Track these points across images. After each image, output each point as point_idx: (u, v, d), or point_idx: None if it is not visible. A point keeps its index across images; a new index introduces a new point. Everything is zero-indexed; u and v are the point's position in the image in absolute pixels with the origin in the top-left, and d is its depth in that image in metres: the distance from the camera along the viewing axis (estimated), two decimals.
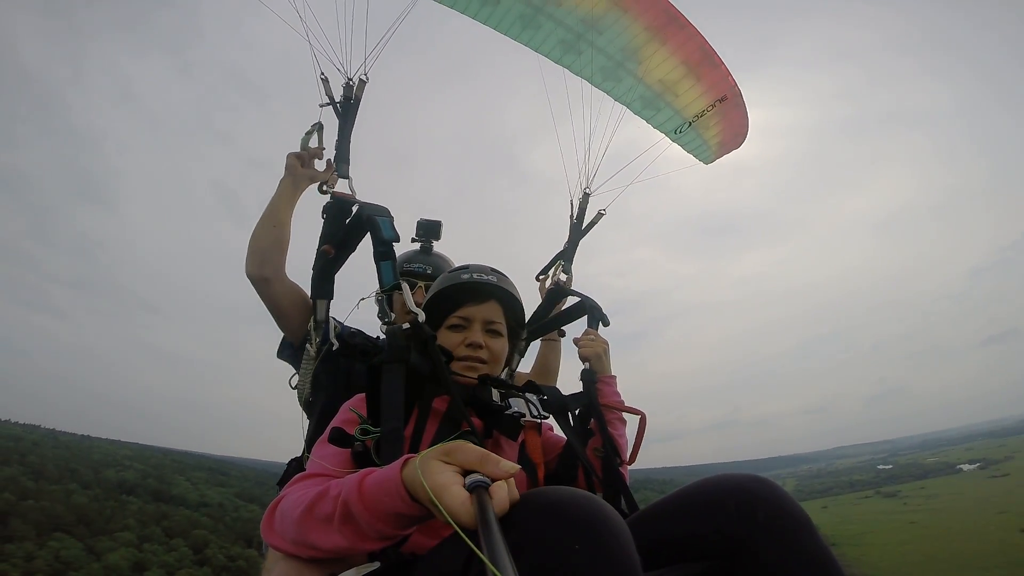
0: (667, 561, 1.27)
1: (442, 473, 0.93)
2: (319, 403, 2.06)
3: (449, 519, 0.86)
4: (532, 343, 2.63)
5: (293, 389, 2.16)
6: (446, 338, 1.78)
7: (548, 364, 2.71)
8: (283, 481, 1.98)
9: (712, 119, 3.21)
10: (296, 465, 2.02)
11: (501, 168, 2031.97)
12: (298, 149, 2.40)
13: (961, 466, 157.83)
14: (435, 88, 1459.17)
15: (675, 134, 3.28)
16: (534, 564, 0.82)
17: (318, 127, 2.45)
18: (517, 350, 2.21)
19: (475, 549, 0.75)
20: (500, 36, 3.06)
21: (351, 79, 2.38)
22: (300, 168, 2.32)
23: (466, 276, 1.85)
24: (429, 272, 2.48)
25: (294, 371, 2.19)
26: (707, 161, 3.46)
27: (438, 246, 2.72)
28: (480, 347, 1.76)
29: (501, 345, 1.83)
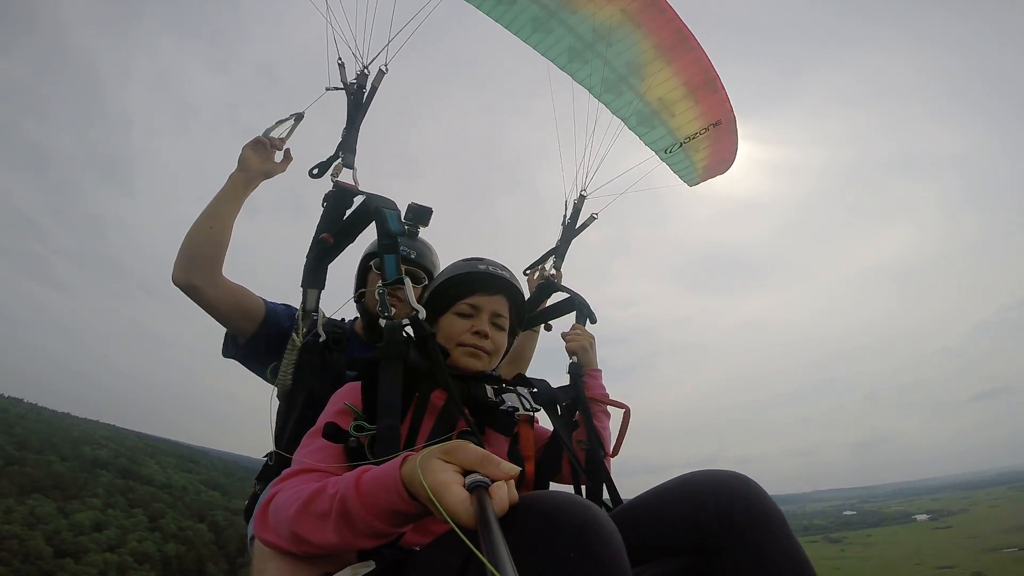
0: (647, 555, 1.30)
1: (443, 472, 0.95)
2: (302, 394, 1.99)
3: (448, 519, 0.88)
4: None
5: (270, 382, 2.09)
6: (452, 324, 1.84)
7: (523, 352, 2.76)
8: (262, 476, 2.00)
9: (703, 142, 3.33)
10: (277, 460, 1.94)
11: (512, 185, 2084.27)
12: (263, 135, 2.30)
13: (917, 516, 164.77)
14: (454, 100, 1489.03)
15: (665, 153, 3.41)
16: (526, 569, 0.80)
17: (296, 117, 2.40)
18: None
19: (474, 549, 0.77)
20: (528, 53, 3.18)
21: (367, 67, 2.36)
22: (256, 162, 2.23)
23: (482, 267, 1.90)
24: (412, 256, 2.44)
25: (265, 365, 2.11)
26: (691, 183, 3.60)
27: (425, 234, 2.64)
28: (486, 336, 1.82)
29: (503, 339, 1.90)
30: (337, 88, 2.34)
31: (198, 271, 2.02)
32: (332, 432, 1.43)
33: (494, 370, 1.95)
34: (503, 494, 0.93)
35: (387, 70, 2.38)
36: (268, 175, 2.28)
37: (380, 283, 1.78)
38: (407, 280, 1.76)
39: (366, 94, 2.35)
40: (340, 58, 2.33)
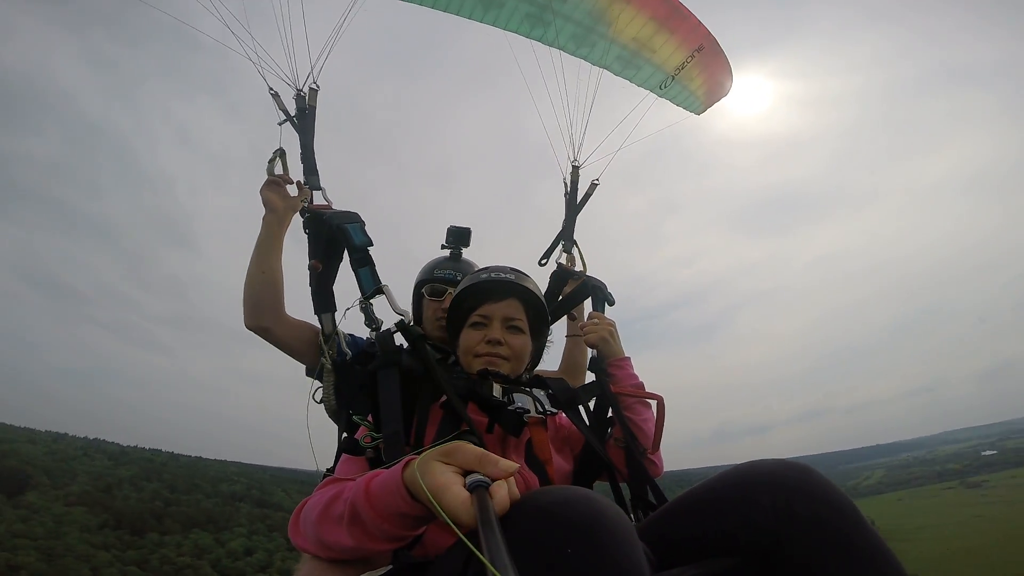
0: (697, 556, 1.23)
1: (442, 474, 0.96)
2: (345, 413, 2.11)
3: (448, 520, 0.88)
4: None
5: (319, 403, 2.20)
6: (468, 337, 1.83)
7: (575, 360, 2.68)
8: None
9: (694, 70, 3.27)
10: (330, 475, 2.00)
11: (543, 170, 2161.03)
12: (270, 175, 2.39)
13: None
14: (465, 101, 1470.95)
15: (660, 89, 3.35)
16: (529, 567, 0.80)
17: (280, 153, 2.46)
18: (544, 345, 2.07)
19: (474, 550, 0.76)
20: (518, 42, 3.15)
21: (301, 90, 2.41)
22: (279, 201, 2.31)
23: (485, 276, 1.90)
24: (458, 279, 2.46)
25: (319, 385, 2.24)
26: (698, 111, 3.53)
27: (468, 253, 2.69)
28: (499, 343, 1.79)
29: (522, 342, 1.85)
30: (284, 121, 2.41)
31: (263, 314, 2.17)
32: (349, 446, 1.50)
33: (528, 375, 1.95)
34: (503, 493, 0.93)
35: (318, 86, 2.42)
36: (295, 209, 2.36)
37: (360, 297, 1.86)
38: (386, 288, 1.81)
39: (307, 114, 2.41)
40: (271, 88, 2.41)
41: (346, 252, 1.98)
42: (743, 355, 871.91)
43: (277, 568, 62.83)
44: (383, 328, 1.99)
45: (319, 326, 2.27)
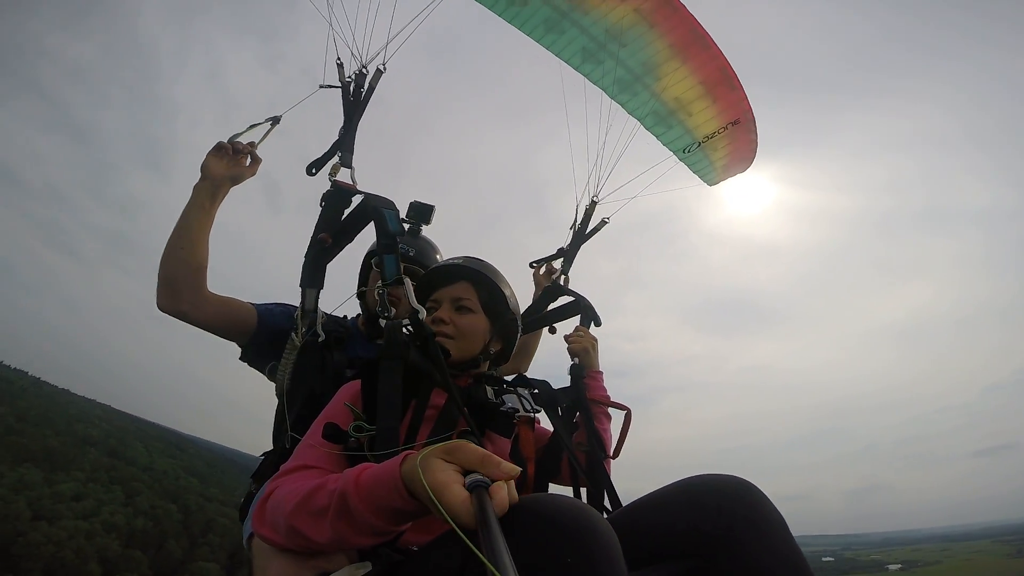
0: (646, 559, 1.31)
1: (443, 471, 0.97)
2: (301, 393, 1.98)
3: (448, 518, 0.89)
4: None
5: (270, 380, 2.13)
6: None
7: (528, 345, 2.84)
8: (258, 475, 2.00)
9: (722, 141, 3.32)
10: (273, 458, 1.96)
11: (529, 210, 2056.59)
12: (227, 141, 2.21)
13: (890, 566, 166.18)
14: (484, 125, 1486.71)
15: (683, 153, 3.41)
16: (524, 572, 0.80)
17: (273, 121, 2.35)
18: (514, 335, 2.02)
19: (474, 549, 0.78)
20: (557, 81, 3.23)
21: (365, 67, 2.37)
22: (220, 168, 2.13)
23: (434, 266, 2.03)
24: (412, 254, 2.47)
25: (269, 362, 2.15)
26: (711, 183, 3.58)
27: (428, 232, 2.70)
28: (444, 322, 1.83)
29: (470, 321, 1.87)
30: (333, 86, 2.36)
31: (181, 297, 2.01)
32: (332, 432, 1.44)
33: (490, 368, 1.96)
34: (503, 494, 0.95)
35: (385, 69, 2.38)
36: (236, 180, 2.20)
37: (380, 282, 1.84)
38: (406, 280, 1.79)
39: (364, 93, 2.36)
40: (339, 58, 2.35)
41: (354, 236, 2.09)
42: (656, 433, 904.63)
43: (103, 519, 63.07)
44: (357, 317, 2.20)
45: (251, 305, 2.23)
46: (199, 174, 2.14)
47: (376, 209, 1.92)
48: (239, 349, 2.26)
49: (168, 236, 2.06)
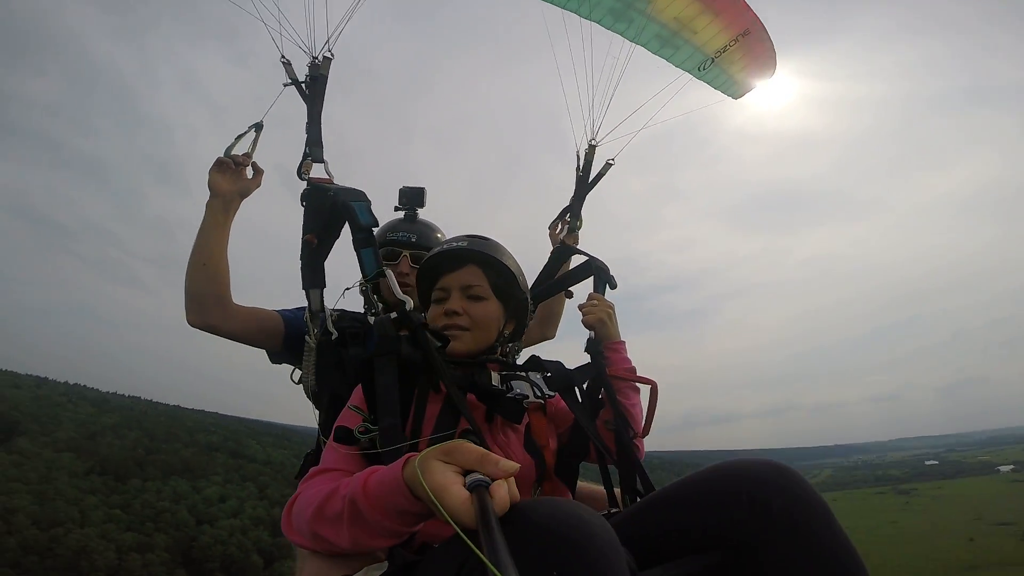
0: (676, 551, 1.27)
1: (442, 473, 0.97)
2: (326, 394, 1.97)
3: (449, 519, 0.90)
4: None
5: (297, 384, 2.12)
6: (433, 313, 1.80)
7: (551, 309, 2.73)
8: (300, 475, 1.95)
9: (736, 53, 3.17)
10: (312, 459, 1.96)
11: (547, 144, 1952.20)
12: (224, 155, 2.24)
13: (1001, 467, 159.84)
14: (484, 70, 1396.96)
15: (699, 71, 3.26)
16: None
17: (257, 127, 2.35)
18: (525, 314, 1.98)
19: (475, 549, 0.78)
20: (550, 17, 3.05)
21: (316, 58, 2.30)
22: (226, 185, 2.19)
23: (438, 249, 1.88)
24: (414, 240, 2.43)
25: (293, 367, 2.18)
26: (736, 96, 3.46)
27: (424, 213, 2.63)
28: (458, 314, 1.76)
29: (483, 309, 1.80)
30: (289, 84, 2.30)
31: (209, 311, 2.07)
32: (343, 435, 1.46)
33: (508, 345, 1.91)
34: (503, 493, 0.95)
35: (333, 55, 2.31)
36: (244, 194, 2.25)
37: (361, 279, 1.77)
38: (388, 272, 1.73)
39: (317, 84, 2.29)
40: (283, 56, 2.29)
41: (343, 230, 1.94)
42: (724, 344, 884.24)
43: (248, 515, 71.12)
44: (354, 312, 2.11)
45: (276, 312, 2.27)
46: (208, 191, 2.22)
47: (344, 204, 1.82)
48: (266, 354, 2.34)
49: (189, 254, 2.13)
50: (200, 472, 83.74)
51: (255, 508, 74.07)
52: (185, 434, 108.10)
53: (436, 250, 1.89)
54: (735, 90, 3.44)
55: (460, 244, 1.84)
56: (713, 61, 3.22)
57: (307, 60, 2.31)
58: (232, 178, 2.24)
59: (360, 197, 1.86)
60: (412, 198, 2.57)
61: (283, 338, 2.24)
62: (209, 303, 2.08)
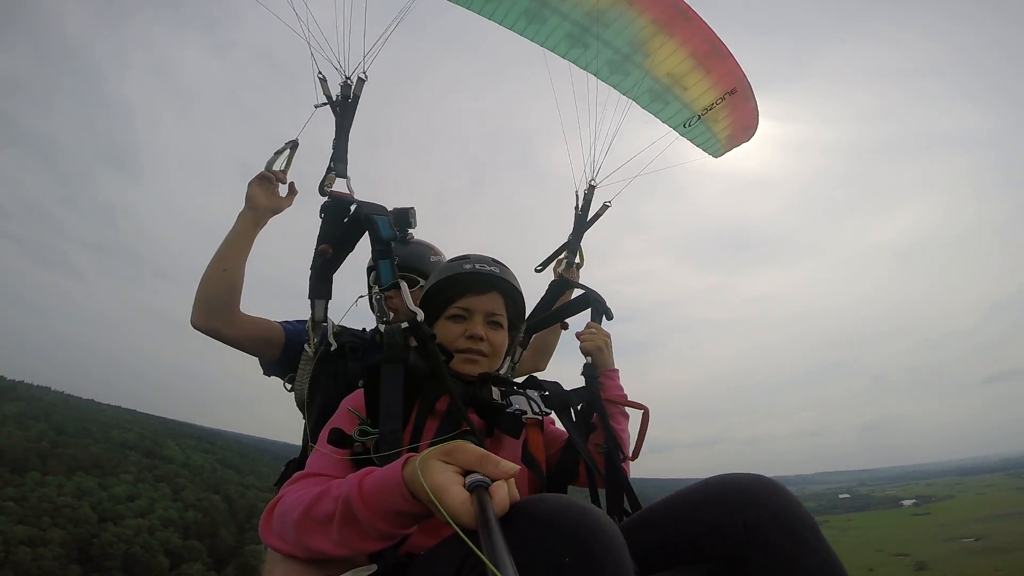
0: (666, 561, 1.32)
1: (442, 473, 0.98)
2: (317, 403, 2.07)
3: (449, 519, 0.91)
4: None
5: (289, 391, 2.19)
6: (446, 329, 1.83)
7: (547, 343, 2.84)
8: (281, 482, 2.05)
9: (722, 112, 3.29)
10: (295, 467, 2.04)
11: (518, 164, 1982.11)
12: (266, 170, 2.35)
13: (904, 501, 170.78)
14: (465, 84, 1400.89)
15: (684, 128, 3.38)
16: (524, 573, 0.79)
17: (292, 145, 2.44)
18: (518, 342, 2.21)
19: (475, 549, 0.79)
20: (554, 60, 3.17)
21: (349, 77, 2.40)
22: (263, 200, 2.30)
23: (468, 267, 1.90)
24: (396, 262, 2.40)
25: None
26: (716, 154, 3.58)
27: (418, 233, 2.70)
28: (481, 339, 1.82)
29: (502, 338, 1.89)
30: (323, 104, 2.40)
31: (216, 316, 2.13)
32: (337, 438, 1.46)
33: (500, 370, 1.95)
34: (503, 493, 0.96)
35: (367, 77, 2.43)
36: (276, 211, 2.35)
37: (377, 288, 1.91)
38: (403, 284, 1.81)
39: (350, 103, 2.40)
40: (320, 72, 2.39)
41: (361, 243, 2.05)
42: (668, 375, 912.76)
43: (158, 515, 68.07)
44: (377, 324, 2.21)
45: (278, 323, 2.34)
46: (244, 203, 2.28)
47: (368, 217, 1.94)
48: (258, 364, 2.38)
49: (209, 261, 2.18)
50: (110, 469, 79.48)
51: (167, 509, 70.98)
52: (97, 429, 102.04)
53: (465, 268, 1.91)
54: (716, 149, 3.63)
55: (492, 269, 1.91)
56: (699, 118, 3.38)
57: (340, 80, 2.43)
58: (268, 194, 2.34)
59: (382, 211, 2.01)
60: (399, 220, 2.60)
61: (282, 349, 2.31)
62: (219, 309, 2.14)
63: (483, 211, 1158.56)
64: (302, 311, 2.23)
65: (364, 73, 2.42)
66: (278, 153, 2.42)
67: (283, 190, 2.42)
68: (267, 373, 2.38)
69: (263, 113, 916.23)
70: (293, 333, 2.34)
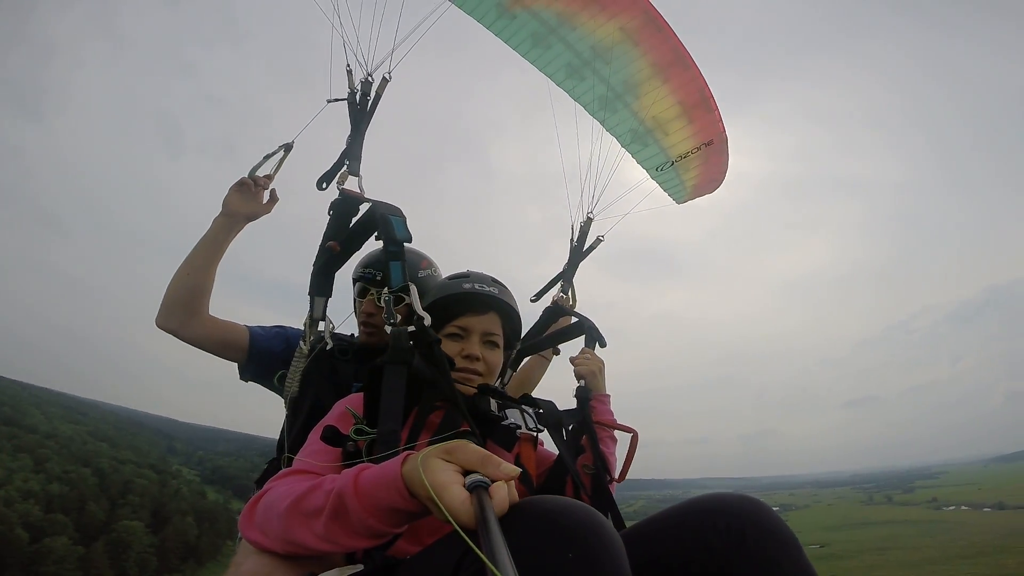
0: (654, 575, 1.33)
1: (443, 471, 0.98)
2: (307, 401, 2.06)
3: (449, 518, 0.91)
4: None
5: (276, 391, 2.19)
6: (444, 347, 1.81)
7: (531, 376, 2.86)
8: (261, 480, 2.07)
9: (694, 161, 3.40)
10: (275, 466, 2.05)
11: (463, 155, 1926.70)
12: (249, 175, 2.32)
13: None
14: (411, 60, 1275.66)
15: (656, 171, 3.50)
16: (525, 570, 0.81)
17: (285, 148, 2.40)
18: (508, 364, 2.26)
19: (475, 549, 0.79)
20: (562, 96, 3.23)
21: (371, 75, 2.39)
22: (239, 206, 2.26)
23: (467, 286, 1.93)
24: (379, 279, 2.43)
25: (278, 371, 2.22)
26: (679, 201, 3.72)
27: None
28: (477, 359, 1.86)
29: (497, 357, 1.94)
30: (338, 100, 2.38)
31: (173, 317, 2.16)
32: (331, 435, 1.45)
33: (502, 388, 1.99)
34: (503, 494, 0.96)
35: (391, 78, 2.41)
36: (251, 217, 2.32)
37: (386, 289, 1.85)
38: (412, 287, 1.80)
39: (370, 102, 2.37)
40: (348, 64, 2.37)
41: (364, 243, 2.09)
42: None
43: (17, 487, 62.72)
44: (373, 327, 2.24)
45: (246, 327, 2.33)
46: (221, 208, 2.26)
47: (383, 216, 1.93)
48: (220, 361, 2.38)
49: (180, 264, 2.21)
50: None
51: (27, 481, 65.52)
52: None
53: (465, 287, 1.93)
54: (680, 195, 3.71)
55: (491, 290, 1.95)
56: (672, 164, 3.46)
57: (361, 76, 2.41)
58: (246, 199, 2.32)
59: (397, 212, 1.99)
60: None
61: (247, 353, 2.30)
62: (177, 311, 2.17)
63: (424, 200, 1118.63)
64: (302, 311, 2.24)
65: (389, 74, 2.43)
66: (268, 156, 2.41)
67: (266, 196, 2.42)
68: (243, 378, 2.40)
69: (199, 65, 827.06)
70: (262, 338, 2.35)
